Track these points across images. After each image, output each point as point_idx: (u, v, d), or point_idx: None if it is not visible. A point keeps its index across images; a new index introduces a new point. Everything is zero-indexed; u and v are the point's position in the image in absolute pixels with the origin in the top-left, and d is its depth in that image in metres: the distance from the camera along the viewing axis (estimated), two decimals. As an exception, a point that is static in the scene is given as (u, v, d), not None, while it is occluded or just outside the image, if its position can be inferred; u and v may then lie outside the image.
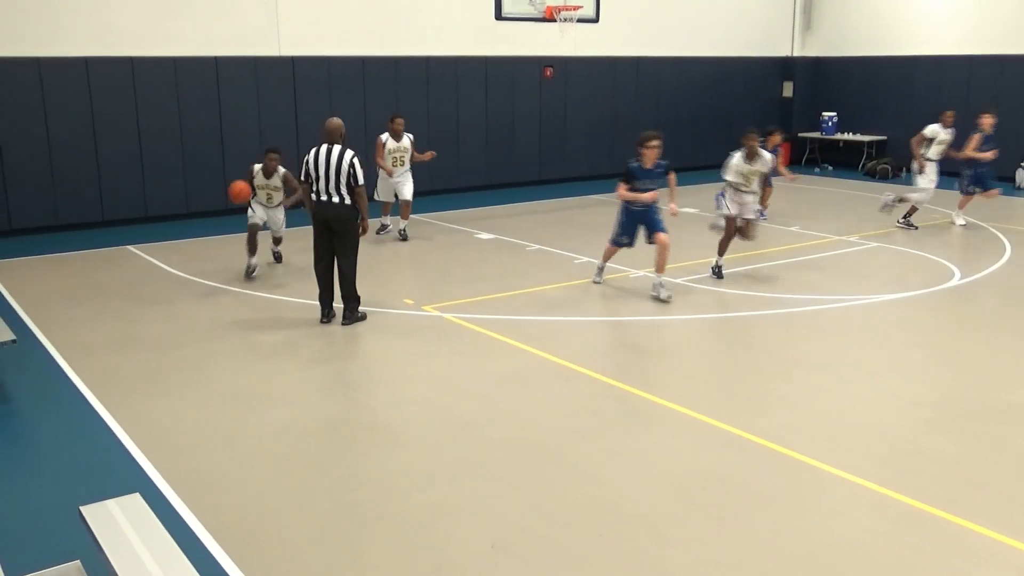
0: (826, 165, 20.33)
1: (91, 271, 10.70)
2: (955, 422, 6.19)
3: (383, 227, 12.59)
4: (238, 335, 8.08)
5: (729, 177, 9.98)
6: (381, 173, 12.23)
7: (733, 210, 10.04)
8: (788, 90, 21.04)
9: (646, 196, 9.14)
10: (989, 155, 13.01)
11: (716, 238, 10.30)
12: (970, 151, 13.07)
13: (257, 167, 10.21)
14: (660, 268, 9.23)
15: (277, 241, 10.69)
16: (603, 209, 15.15)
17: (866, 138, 19.72)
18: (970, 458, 5.62)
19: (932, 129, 13.06)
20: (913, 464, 5.53)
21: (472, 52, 16.40)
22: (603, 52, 17.95)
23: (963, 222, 13.34)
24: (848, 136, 20.06)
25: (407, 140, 12.19)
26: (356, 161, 8.14)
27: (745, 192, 10.05)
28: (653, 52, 18.76)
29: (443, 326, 8.34)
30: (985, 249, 11.72)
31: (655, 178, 9.22)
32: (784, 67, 20.96)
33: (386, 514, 4.90)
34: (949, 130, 13.05)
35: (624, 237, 9.52)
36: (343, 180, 8.07)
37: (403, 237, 12.30)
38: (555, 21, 14.20)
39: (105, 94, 13.07)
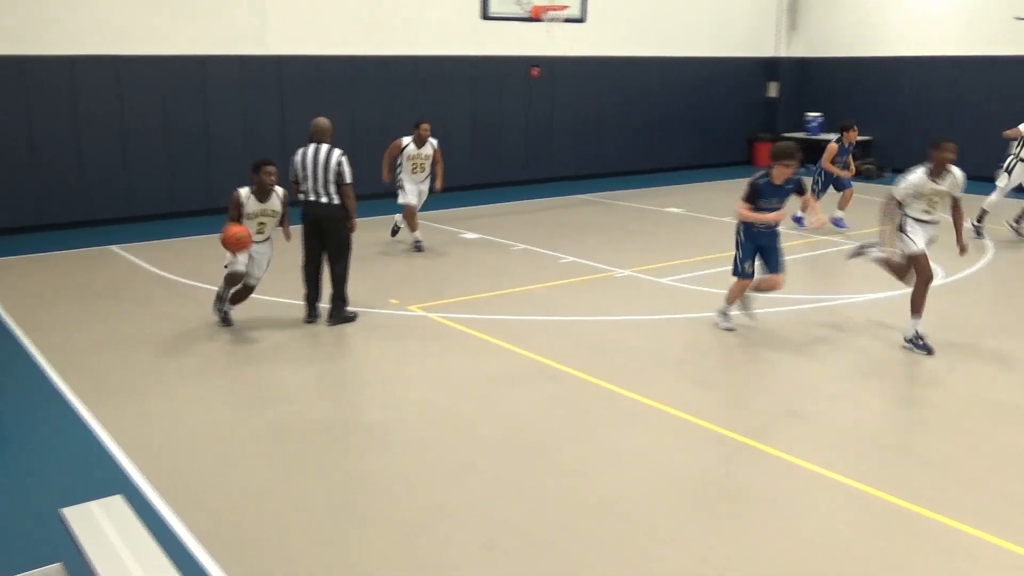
0: (811, 165, 20.36)
1: (74, 271, 10.62)
2: (942, 420, 6.22)
3: (417, 244, 11.60)
4: (224, 336, 8.03)
5: (900, 196, 7.63)
6: (408, 175, 11.37)
7: (920, 243, 7.72)
8: (773, 90, 21.10)
9: (772, 216, 7.83)
10: None
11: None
12: None
13: (244, 192, 7.93)
14: (735, 297, 8.18)
15: (248, 288, 8.35)
16: (589, 209, 15.18)
17: (851, 138, 19.77)
18: (957, 456, 5.65)
19: None
20: (901, 463, 5.56)
21: (460, 52, 16.38)
22: (590, 52, 17.95)
23: None
24: (833, 136, 20.09)
25: (430, 146, 11.46)
26: (344, 159, 8.13)
27: (928, 222, 7.76)
28: (640, 52, 18.78)
29: (429, 326, 8.33)
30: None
31: (783, 196, 7.90)
32: (769, 67, 21.02)
33: (383, 516, 4.89)
34: None
35: (749, 264, 8.03)
36: (332, 179, 8.06)
37: (395, 232, 12.12)
38: (542, 21, 14.20)
39: (90, 93, 12.99)
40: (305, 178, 8.14)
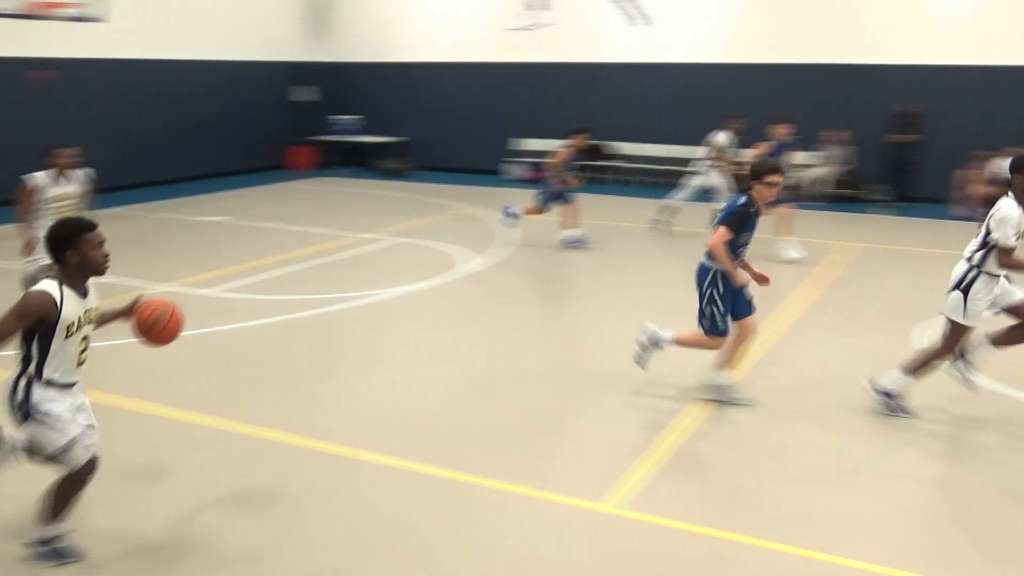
0: (350, 167, 21.00)
1: None
2: (484, 393, 6.80)
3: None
4: None
5: (1010, 241, 5.74)
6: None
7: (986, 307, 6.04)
8: (304, 94, 21.33)
9: (744, 278, 6.25)
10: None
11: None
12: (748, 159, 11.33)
13: (56, 290, 4.42)
14: (728, 363, 6.54)
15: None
16: (122, 223, 14.06)
17: (388, 139, 20.75)
18: (500, 423, 6.23)
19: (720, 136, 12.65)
20: (450, 437, 5.98)
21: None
22: (112, 54, 16.62)
23: (796, 254, 11.41)
24: (372, 138, 20.93)
25: (81, 180, 8.34)
26: None
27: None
28: (167, 55, 17.81)
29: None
30: (489, 236, 12.94)
31: (755, 229, 6.41)
32: (300, 72, 21.20)
33: None
34: (725, 134, 12.64)
35: (729, 318, 6.35)
36: None
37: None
38: (47, 19, 12.84)
39: None
40: None
